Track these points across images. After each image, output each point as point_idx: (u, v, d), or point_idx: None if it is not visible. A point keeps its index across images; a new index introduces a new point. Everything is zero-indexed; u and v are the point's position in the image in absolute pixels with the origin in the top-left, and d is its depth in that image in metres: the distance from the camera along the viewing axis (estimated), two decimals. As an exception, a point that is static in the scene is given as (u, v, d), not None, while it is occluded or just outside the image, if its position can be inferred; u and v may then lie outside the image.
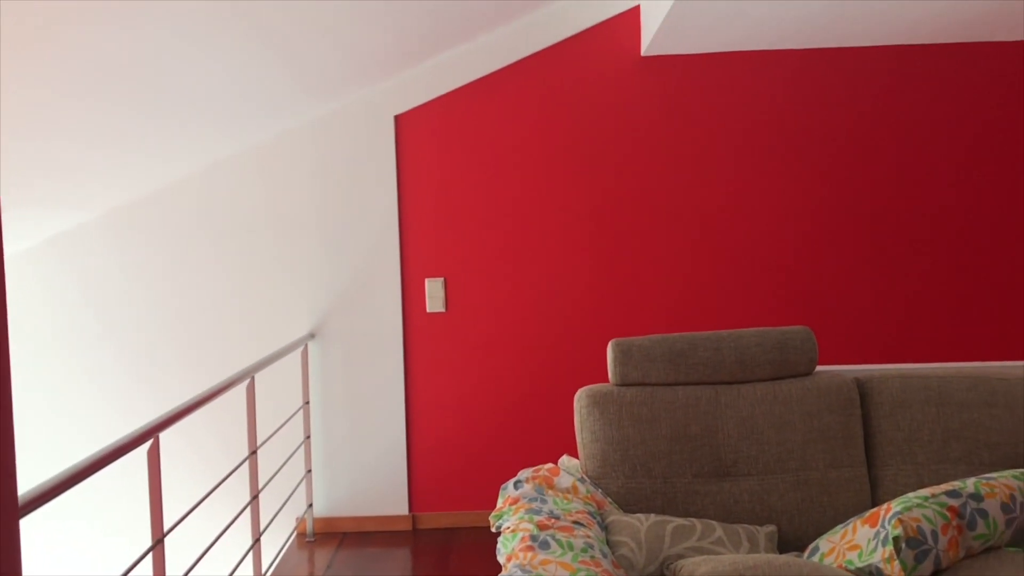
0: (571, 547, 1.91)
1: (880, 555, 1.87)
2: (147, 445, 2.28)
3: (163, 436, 2.37)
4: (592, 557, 1.88)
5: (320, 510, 4.14)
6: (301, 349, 4.03)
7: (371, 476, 4.13)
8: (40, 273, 4.09)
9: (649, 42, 3.76)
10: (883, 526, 1.91)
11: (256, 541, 3.16)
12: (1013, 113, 3.99)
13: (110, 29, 2.48)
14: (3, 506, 0.93)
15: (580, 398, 2.49)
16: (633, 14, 3.96)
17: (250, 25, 2.85)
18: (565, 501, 2.19)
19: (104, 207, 4.04)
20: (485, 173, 4.05)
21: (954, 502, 1.92)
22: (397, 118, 4.03)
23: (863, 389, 2.49)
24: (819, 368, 2.66)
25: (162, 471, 2.34)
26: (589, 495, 2.30)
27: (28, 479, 3.89)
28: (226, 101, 3.46)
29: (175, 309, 4.10)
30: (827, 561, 2.04)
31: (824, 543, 2.13)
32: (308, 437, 4.06)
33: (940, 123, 4.01)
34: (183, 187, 4.06)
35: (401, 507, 4.13)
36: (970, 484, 1.98)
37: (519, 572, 1.81)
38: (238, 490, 3.82)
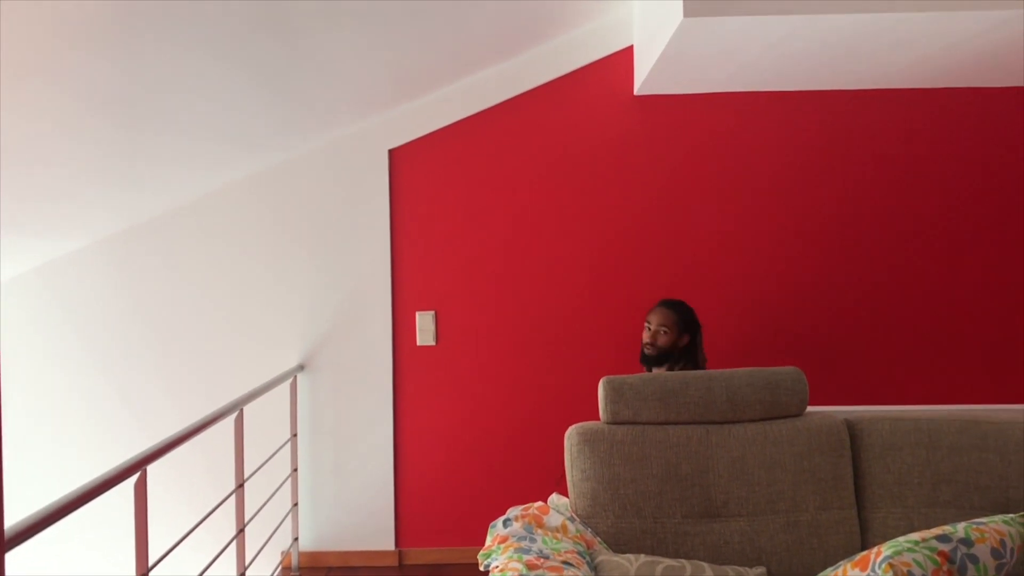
0: (561, 588, 1.89)
1: (871, 600, 1.86)
2: (134, 478, 2.26)
3: (150, 468, 2.35)
4: (582, 598, 1.86)
5: (306, 544, 4.10)
6: (290, 381, 4.01)
7: (358, 510, 4.09)
8: (28, 302, 4.07)
9: (642, 81, 3.80)
10: (874, 570, 1.90)
11: (241, 575, 3.12)
12: (1007, 158, 4.03)
13: (105, 63, 2.49)
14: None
15: (571, 436, 2.48)
16: (627, 54, 4.00)
17: (245, 60, 2.87)
18: (555, 540, 2.17)
19: (93, 236, 4.03)
20: (478, 208, 4.06)
21: (944, 547, 1.92)
22: (391, 152, 4.05)
23: (853, 431, 2.49)
24: (810, 409, 2.66)
25: (148, 503, 2.32)
26: (579, 534, 2.28)
27: (13, 510, 3.83)
28: (220, 134, 3.48)
29: (164, 339, 4.09)
30: (817, 605, 2.03)
31: (814, 586, 2.12)
32: (295, 470, 4.03)
33: (930, 166, 4.05)
34: (173, 218, 4.06)
35: (387, 542, 4.09)
36: (960, 529, 1.98)
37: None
38: (224, 522, 3.77)
